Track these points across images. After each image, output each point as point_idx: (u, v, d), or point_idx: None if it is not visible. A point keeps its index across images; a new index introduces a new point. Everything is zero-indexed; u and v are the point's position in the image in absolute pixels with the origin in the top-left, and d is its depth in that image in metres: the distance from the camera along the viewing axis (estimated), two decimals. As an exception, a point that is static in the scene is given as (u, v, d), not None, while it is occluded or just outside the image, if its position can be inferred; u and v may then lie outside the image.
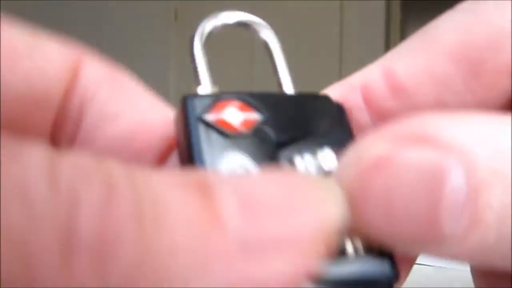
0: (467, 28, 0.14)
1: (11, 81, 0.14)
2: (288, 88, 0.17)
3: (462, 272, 0.39)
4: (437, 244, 0.12)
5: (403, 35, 3.14)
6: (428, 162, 0.11)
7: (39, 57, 0.15)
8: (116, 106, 0.16)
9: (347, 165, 0.13)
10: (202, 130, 0.13)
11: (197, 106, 0.14)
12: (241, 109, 0.14)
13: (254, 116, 0.14)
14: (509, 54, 0.14)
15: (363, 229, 0.12)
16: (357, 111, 0.16)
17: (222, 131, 0.13)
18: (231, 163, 0.13)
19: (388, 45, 2.61)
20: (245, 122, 0.14)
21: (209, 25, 0.17)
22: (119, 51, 2.64)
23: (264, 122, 0.15)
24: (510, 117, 0.11)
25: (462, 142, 0.11)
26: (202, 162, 0.13)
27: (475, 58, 0.14)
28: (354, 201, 0.12)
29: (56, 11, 2.70)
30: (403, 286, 0.36)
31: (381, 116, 0.16)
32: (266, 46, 0.18)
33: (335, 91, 0.17)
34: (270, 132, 0.14)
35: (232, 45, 2.67)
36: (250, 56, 2.64)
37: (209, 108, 0.14)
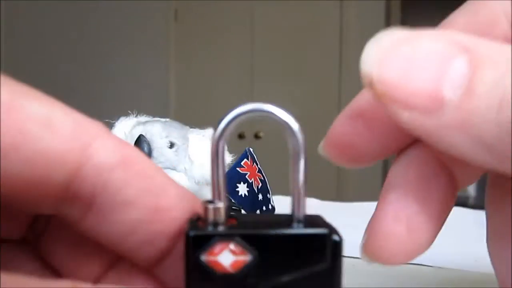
0: (472, 12, 0.19)
1: (13, 163, 0.14)
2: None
3: (462, 273, 0.39)
4: (437, 110, 0.15)
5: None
6: (443, 47, 0.15)
7: (49, 138, 0.14)
8: (129, 193, 0.16)
9: (385, 34, 0.16)
10: (197, 267, 0.16)
11: (198, 245, 0.16)
12: (234, 252, 0.16)
13: (245, 258, 0.16)
14: (504, 25, 0.18)
15: (378, 83, 0.16)
16: None
17: (213, 271, 0.16)
18: None
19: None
20: (235, 263, 0.16)
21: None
22: (119, 51, 2.63)
23: (252, 263, 0.16)
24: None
25: (469, 42, 0.15)
26: None
27: (480, 31, 0.18)
28: (381, 58, 0.16)
29: (57, 13, 2.70)
30: (403, 286, 0.36)
31: None
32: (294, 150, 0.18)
33: None
34: (254, 274, 0.16)
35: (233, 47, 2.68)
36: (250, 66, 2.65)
37: (206, 249, 0.16)
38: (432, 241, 0.19)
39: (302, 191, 0.18)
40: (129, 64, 2.66)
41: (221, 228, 0.17)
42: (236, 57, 2.69)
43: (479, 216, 0.61)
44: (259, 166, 0.41)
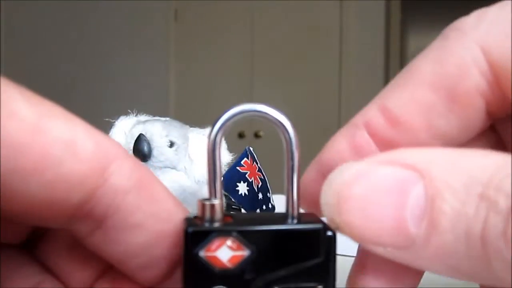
0: (439, 61, 0.17)
1: (34, 185, 0.14)
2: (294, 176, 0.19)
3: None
4: (408, 245, 0.14)
5: (403, 34, 3.14)
6: (397, 176, 0.15)
7: (71, 161, 0.14)
8: (140, 216, 0.16)
9: (336, 174, 0.16)
10: (196, 263, 0.16)
11: (196, 242, 0.16)
12: (232, 248, 0.17)
13: (242, 253, 0.17)
14: (475, 77, 0.16)
15: (344, 227, 0.15)
16: (366, 145, 0.19)
17: (212, 267, 0.16)
18: None
19: (388, 45, 2.62)
20: (233, 258, 0.17)
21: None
22: (119, 51, 2.63)
23: (249, 258, 0.17)
24: (460, 148, 0.15)
25: (423, 165, 0.14)
26: None
27: (449, 84, 0.17)
28: (338, 203, 0.15)
29: (57, 13, 2.70)
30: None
31: (386, 146, 0.18)
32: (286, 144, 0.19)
33: (343, 133, 0.20)
34: (251, 269, 0.17)
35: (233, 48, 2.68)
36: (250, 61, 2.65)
37: (205, 246, 0.17)
38: None
39: (296, 189, 0.18)
40: (129, 63, 2.66)
41: (218, 225, 0.17)
42: (236, 57, 2.69)
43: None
44: (259, 165, 0.41)
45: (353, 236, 0.16)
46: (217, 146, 0.18)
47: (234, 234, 0.17)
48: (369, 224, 0.15)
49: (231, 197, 0.41)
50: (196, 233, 0.17)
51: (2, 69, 2.64)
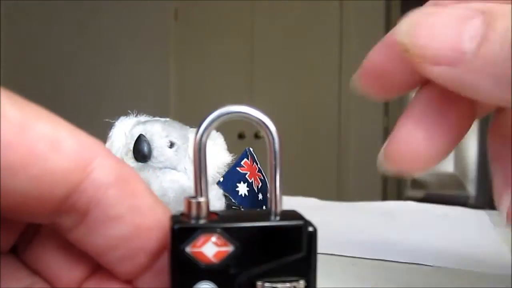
0: None
1: (21, 180, 0.15)
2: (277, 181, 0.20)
3: (462, 272, 0.39)
4: (460, 60, 0.17)
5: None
6: (460, 12, 0.18)
7: (55, 158, 0.15)
8: (120, 209, 0.17)
9: (413, 12, 0.19)
10: (182, 259, 0.17)
11: (182, 238, 0.17)
12: (217, 243, 0.17)
13: (227, 248, 0.17)
14: None
15: (411, 48, 0.18)
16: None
17: (198, 262, 0.17)
18: None
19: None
20: (218, 254, 0.17)
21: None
22: (119, 51, 2.63)
23: (234, 254, 0.18)
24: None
25: (485, 7, 0.17)
26: (178, 286, 0.17)
27: None
28: (410, 28, 0.18)
29: (57, 13, 2.70)
30: (404, 286, 0.36)
31: None
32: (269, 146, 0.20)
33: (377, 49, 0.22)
34: (236, 264, 0.18)
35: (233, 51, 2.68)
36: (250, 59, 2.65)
37: (191, 242, 0.17)
38: (448, 153, 0.20)
39: (278, 188, 0.19)
40: (129, 63, 2.66)
41: (204, 222, 0.18)
42: (236, 56, 2.69)
43: (479, 216, 0.61)
44: (259, 166, 0.41)
45: (416, 55, 0.18)
46: (203, 146, 0.19)
47: (219, 230, 0.17)
48: (432, 44, 0.18)
49: (231, 198, 0.41)
50: (182, 230, 0.17)
51: (2, 69, 2.64)
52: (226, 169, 0.41)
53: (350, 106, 2.49)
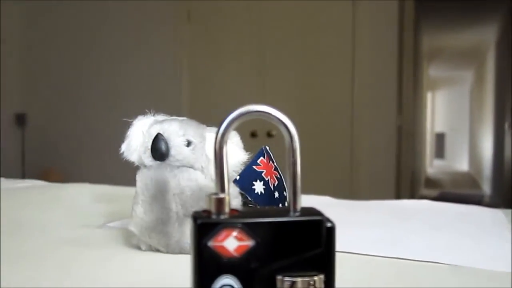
0: None
1: None
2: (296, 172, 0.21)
3: (478, 271, 0.39)
4: None
5: (416, 34, 3.11)
6: None
7: None
8: None
9: None
10: (205, 253, 0.18)
11: (204, 233, 0.18)
12: (238, 238, 0.18)
13: (248, 243, 0.18)
14: None
15: None
16: None
17: (220, 256, 0.18)
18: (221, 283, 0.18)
19: (401, 44, 2.60)
20: (239, 248, 0.18)
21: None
22: (133, 52, 2.63)
23: (254, 248, 0.18)
24: None
25: None
26: (201, 279, 0.18)
27: None
28: None
29: (71, 14, 2.73)
30: (419, 286, 0.36)
31: None
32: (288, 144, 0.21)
33: None
34: (256, 257, 0.18)
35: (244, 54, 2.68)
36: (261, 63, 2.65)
37: (213, 236, 0.18)
38: None
39: (297, 185, 0.20)
40: (142, 64, 2.68)
41: (225, 217, 0.18)
42: (248, 56, 2.70)
43: (494, 215, 0.61)
44: (275, 164, 0.41)
45: None
46: (224, 144, 0.19)
47: (240, 225, 0.18)
48: None
49: (247, 196, 0.41)
50: (204, 225, 0.18)
51: (17, 73, 2.67)
52: (243, 168, 0.42)
53: (363, 104, 2.48)
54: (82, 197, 0.73)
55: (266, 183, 0.41)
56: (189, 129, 0.42)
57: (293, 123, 0.20)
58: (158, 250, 0.41)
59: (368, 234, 0.49)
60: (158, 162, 0.41)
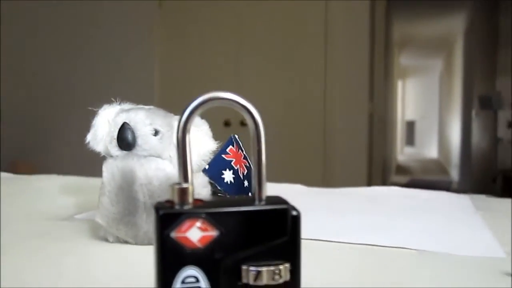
0: None
1: None
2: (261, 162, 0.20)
3: (445, 256, 0.40)
4: None
5: (388, 22, 3.13)
6: None
7: None
8: None
9: None
10: (168, 244, 0.17)
11: (167, 223, 0.18)
12: (202, 228, 0.18)
13: (212, 233, 0.18)
14: None
15: None
16: None
17: (183, 247, 0.17)
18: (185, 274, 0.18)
19: (373, 32, 2.62)
20: (202, 239, 0.18)
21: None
22: (103, 39, 2.57)
23: (219, 238, 0.18)
24: None
25: None
26: (164, 271, 0.18)
27: None
28: None
29: (49, 8, 2.65)
30: (391, 270, 0.36)
31: None
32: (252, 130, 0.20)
33: None
34: (220, 247, 0.18)
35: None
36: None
37: (176, 227, 0.18)
38: None
39: (262, 173, 0.19)
40: (113, 51, 2.63)
41: (188, 207, 0.18)
42: (222, 43, 2.67)
43: (462, 200, 0.62)
44: (244, 153, 0.41)
45: None
46: (187, 133, 0.19)
47: (203, 215, 0.18)
48: None
49: (216, 185, 0.41)
50: (167, 215, 0.18)
51: (-18, 59, 2.58)
52: (211, 157, 0.41)
53: (335, 92, 2.49)
54: (49, 189, 0.71)
55: (235, 172, 0.40)
56: (156, 118, 0.41)
57: (258, 111, 0.19)
58: (126, 242, 0.40)
59: (337, 220, 0.50)
60: (124, 152, 0.40)
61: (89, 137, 0.42)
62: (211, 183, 0.41)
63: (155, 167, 0.40)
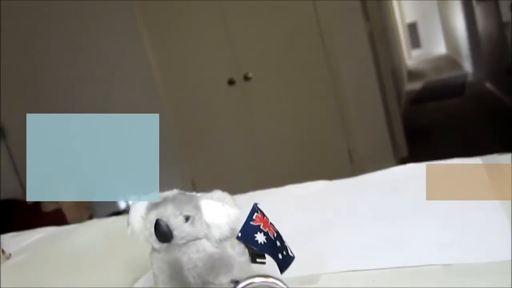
0: None
1: None
2: None
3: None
4: None
5: None
6: None
7: None
8: None
9: None
10: None
11: None
12: None
13: None
14: None
15: None
16: None
17: None
18: None
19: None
20: None
21: None
22: (85, 30, 2.53)
23: None
24: None
25: None
26: None
27: None
28: None
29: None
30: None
31: None
32: None
33: None
34: None
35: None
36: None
37: None
38: None
39: None
40: (96, 41, 2.63)
41: None
42: (214, 24, 2.64)
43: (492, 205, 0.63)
44: (269, 220, 0.45)
45: None
46: None
47: None
48: None
49: (252, 247, 0.45)
50: None
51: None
52: (238, 222, 0.45)
53: (331, 19, 2.47)
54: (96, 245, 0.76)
55: (266, 234, 0.44)
56: (183, 206, 0.44)
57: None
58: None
59: (361, 238, 0.54)
60: (165, 244, 0.44)
61: (129, 232, 0.46)
62: (247, 247, 0.45)
63: (196, 250, 0.44)
